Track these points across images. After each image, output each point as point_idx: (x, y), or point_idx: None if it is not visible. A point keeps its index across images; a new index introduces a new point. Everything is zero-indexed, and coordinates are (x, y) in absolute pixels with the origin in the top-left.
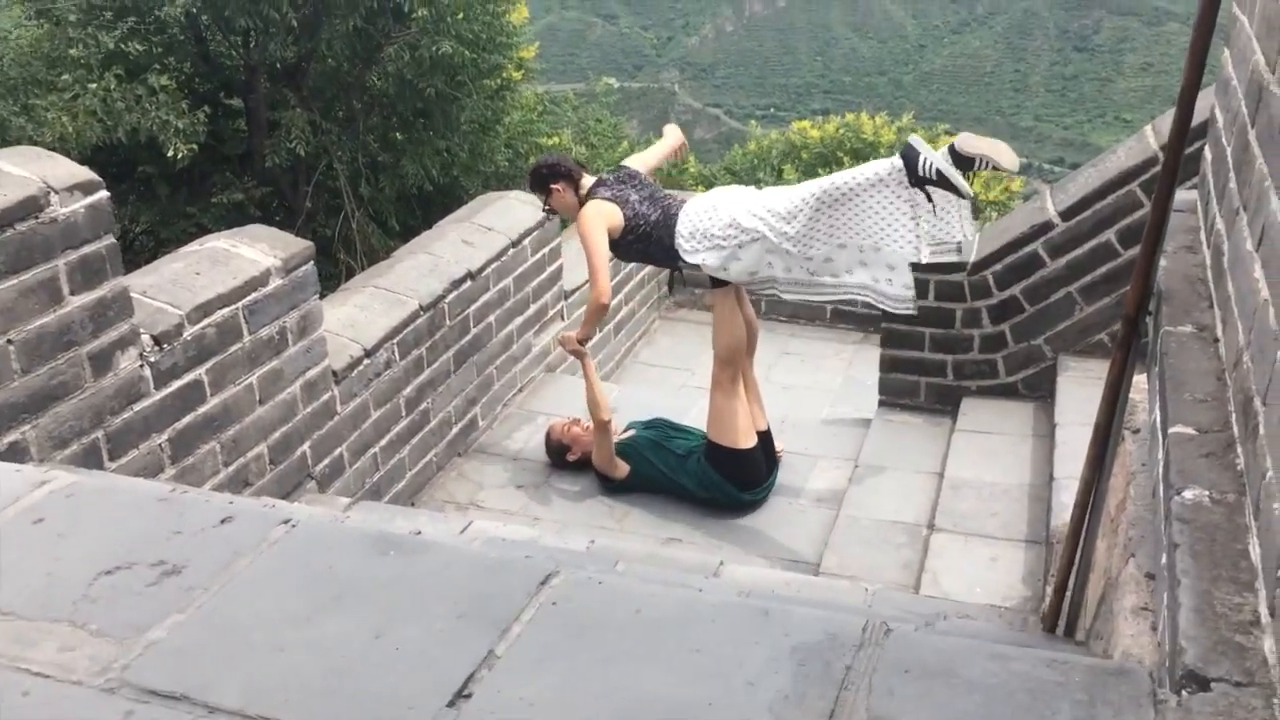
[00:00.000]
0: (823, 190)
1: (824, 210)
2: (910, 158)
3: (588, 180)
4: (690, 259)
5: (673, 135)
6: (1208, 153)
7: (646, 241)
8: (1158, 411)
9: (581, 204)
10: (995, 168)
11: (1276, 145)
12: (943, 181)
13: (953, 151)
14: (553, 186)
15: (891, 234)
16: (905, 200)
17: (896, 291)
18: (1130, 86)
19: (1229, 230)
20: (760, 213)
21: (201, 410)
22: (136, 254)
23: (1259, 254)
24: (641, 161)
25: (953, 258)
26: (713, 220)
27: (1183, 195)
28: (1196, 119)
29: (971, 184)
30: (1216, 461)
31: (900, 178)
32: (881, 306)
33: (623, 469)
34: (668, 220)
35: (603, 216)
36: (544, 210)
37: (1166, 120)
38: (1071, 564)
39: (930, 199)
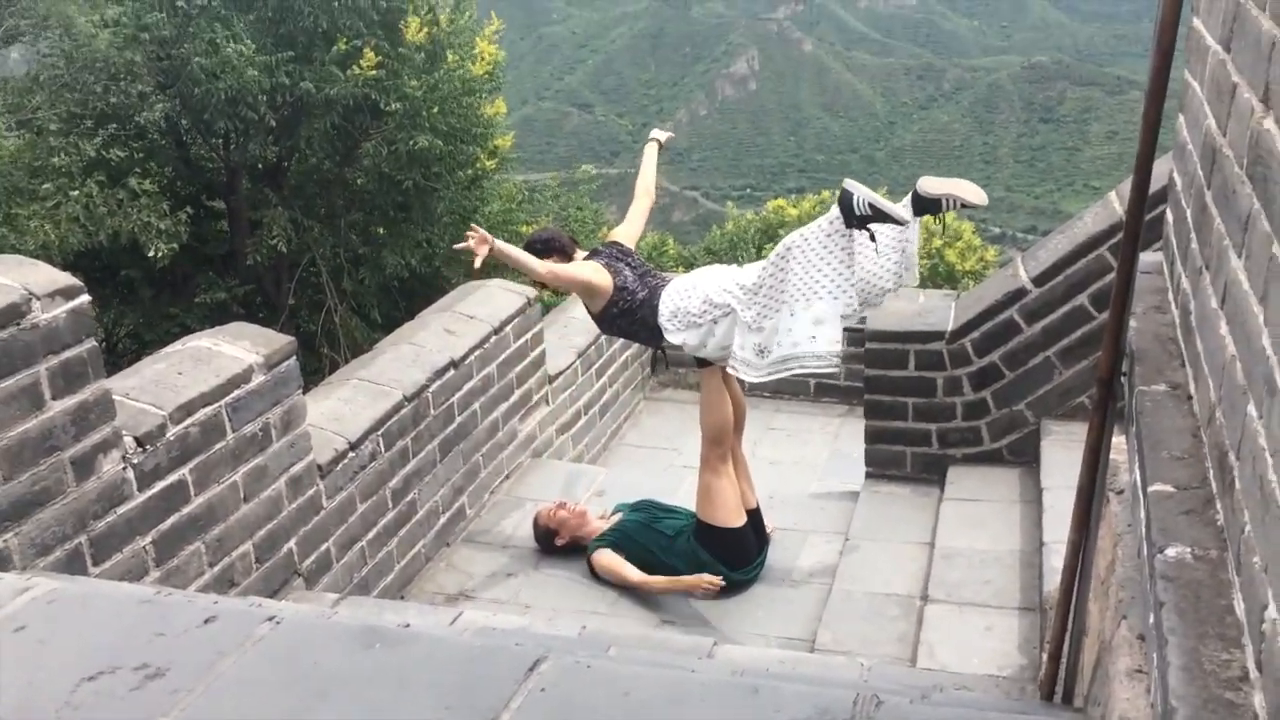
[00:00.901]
0: (777, 255)
1: (780, 273)
2: (845, 200)
3: (580, 256)
4: (672, 338)
5: (651, 152)
6: (1169, 215)
7: (631, 318)
8: (1137, 471)
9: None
10: (963, 204)
11: (1230, 205)
12: (879, 215)
13: (916, 195)
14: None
15: (824, 286)
16: (844, 249)
17: (821, 349)
18: (1097, 154)
19: (1194, 289)
20: (730, 287)
21: (185, 510)
22: (120, 356)
23: (1224, 311)
24: (629, 236)
25: (877, 304)
26: (691, 299)
27: (1149, 257)
28: (1158, 183)
29: (944, 228)
30: (1197, 518)
31: (839, 225)
32: (806, 371)
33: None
34: (653, 299)
35: (596, 269)
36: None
37: (1129, 186)
38: (1064, 629)
39: (874, 238)
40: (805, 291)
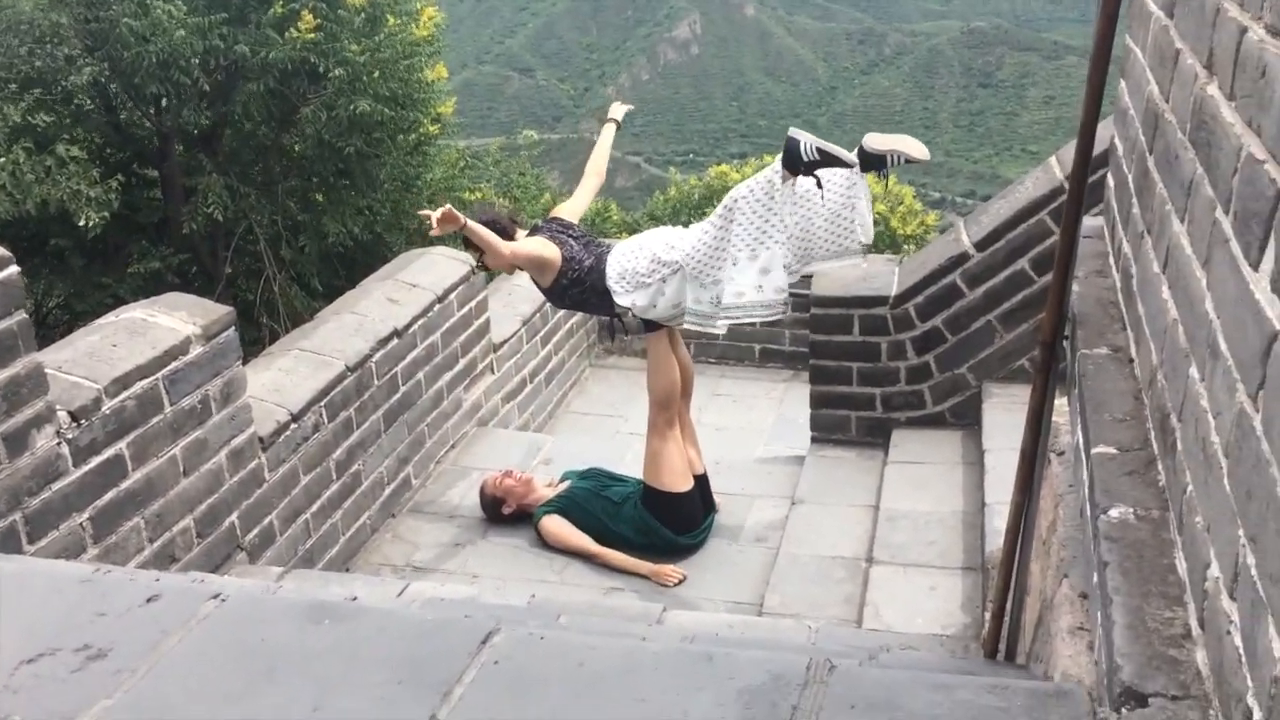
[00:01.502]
0: (724, 208)
1: (726, 225)
2: (791, 147)
3: (521, 235)
4: (621, 300)
5: (608, 132)
6: (1110, 180)
7: (581, 287)
8: (1080, 433)
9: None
10: (908, 160)
11: (1173, 171)
12: (826, 159)
13: (861, 152)
14: (477, 251)
15: (770, 235)
16: (789, 201)
17: (767, 298)
18: (1034, 119)
19: (1135, 254)
20: (676, 243)
21: (123, 486)
22: (51, 328)
23: (1165, 275)
24: (573, 212)
25: (856, 258)
26: (638, 259)
27: (1090, 222)
28: (1099, 148)
29: (888, 183)
30: (1139, 479)
31: (784, 175)
32: (753, 319)
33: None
34: (599, 265)
35: (544, 244)
36: (475, 265)
37: (1070, 151)
38: (1007, 588)
39: (820, 184)
40: (750, 242)
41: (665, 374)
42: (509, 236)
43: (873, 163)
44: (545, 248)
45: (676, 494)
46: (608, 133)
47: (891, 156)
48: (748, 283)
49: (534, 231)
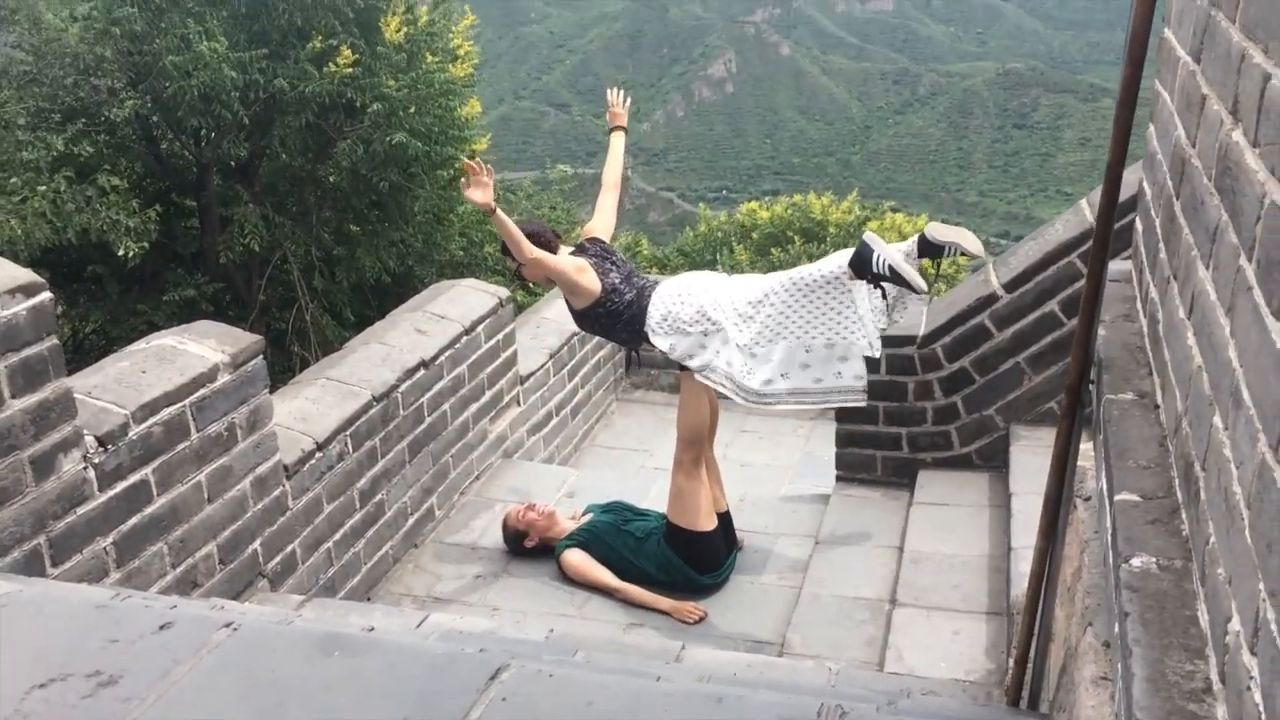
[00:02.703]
0: (781, 286)
1: (780, 305)
2: (865, 254)
3: (564, 251)
4: (659, 343)
5: (617, 143)
6: (1139, 224)
7: (615, 319)
8: (1104, 479)
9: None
10: (964, 253)
11: (1199, 216)
12: (895, 278)
13: (922, 240)
14: (519, 271)
15: (844, 328)
16: (856, 294)
17: (846, 384)
18: (1069, 161)
19: (1162, 299)
20: (725, 306)
21: (148, 511)
22: (86, 354)
23: (1190, 322)
24: (606, 230)
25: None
26: (683, 306)
27: (1118, 266)
28: (1128, 192)
29: (939, 268)
30: (1162, 528)
31: (843, 276)
32: (825, 405)
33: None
34: (641, 302)
35: (582, 268)
36: (513, 273)
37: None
38: (1031, 635)
39: (885, 295)
40: (825, 331)
41: (696, 413)
42: (553, 250)
43: (931, 250)
44: (583, 273)
45: (700, 533)
46: (618, 142)
47: (950, 247)
48: (824, 372)
49: (578, 251)
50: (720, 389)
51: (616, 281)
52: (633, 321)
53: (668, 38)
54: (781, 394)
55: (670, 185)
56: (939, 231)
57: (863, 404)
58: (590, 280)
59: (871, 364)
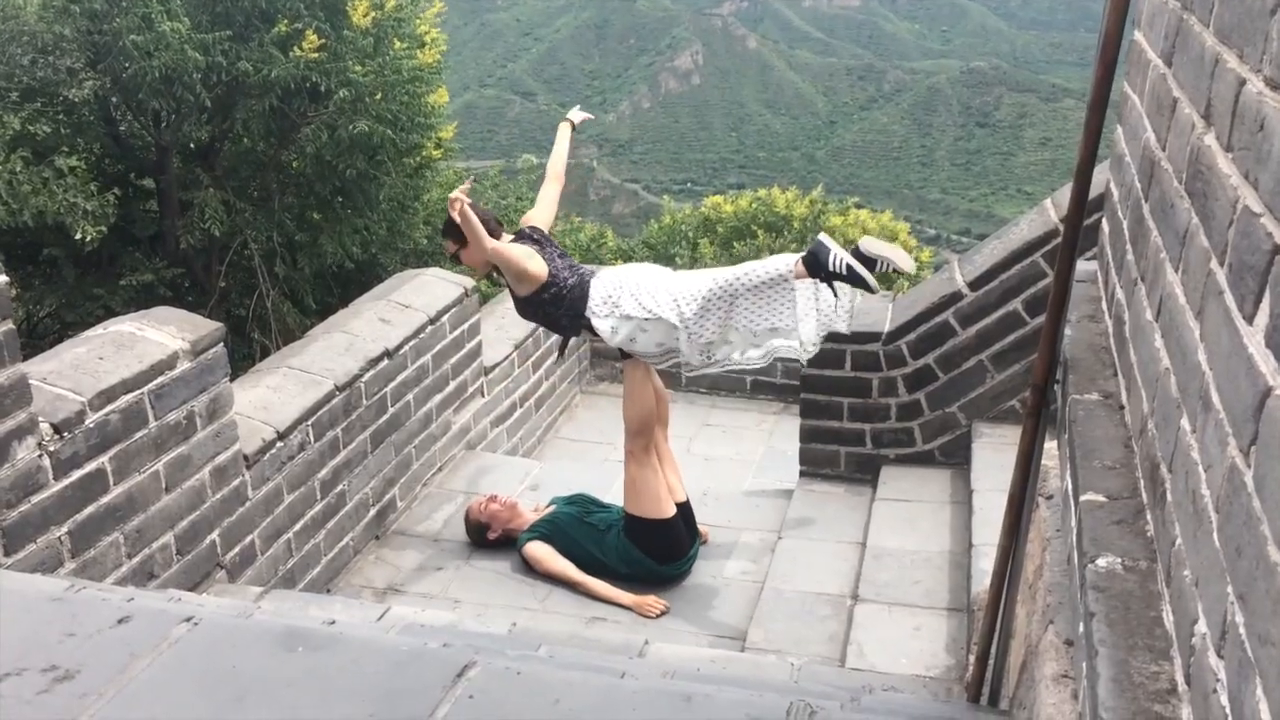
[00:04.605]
0: (726, 282)
1: (723, 300)
2: (820, 254)
3: (506, 238)
4: (601, 325)
5: (564, 133)
6: (1105, 225)
7: (558, 304)
8: (1069, 479)
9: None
10: (895, 270)
11: (1168, 219)
12: (852, 277)
13: (856, 250)
14: (454, 252)
15: (783, 316)
16: (798, 294)
17: (797, 349)
18: (1030, 160)
19: (1129, 300)
20: (663, 298)
21: (104, 500)
22: (40, 339)
23: (1158, 324)
24: (544, 221)
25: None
26: (622, 293)
27: (1083, 266)
28: (1093, 192)
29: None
30: (1127, 528)
31: (791, 275)
32: (782, 359)
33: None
34: (582, 287)
35: (531, 255)
36: (449, 255)
37: (1065, 193)
38: (992, 632)
39: (835, 294)
40: (766, 320)
41: (641, 401)
42: (494, 237)
43: (863, 263)
44: (532, 260)
45: (659, 521)
46: (564, 134)
47: (882, 262)
48: (774, 344)
49: (518, 238)
50: (685, 371)
51: (560, 266)
52: (574, 306)
53: (635, 28)
54: (725, 359)
55: (635, 177)
56: (872, 245)
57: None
58: (538, 266)
59: (836, 360)
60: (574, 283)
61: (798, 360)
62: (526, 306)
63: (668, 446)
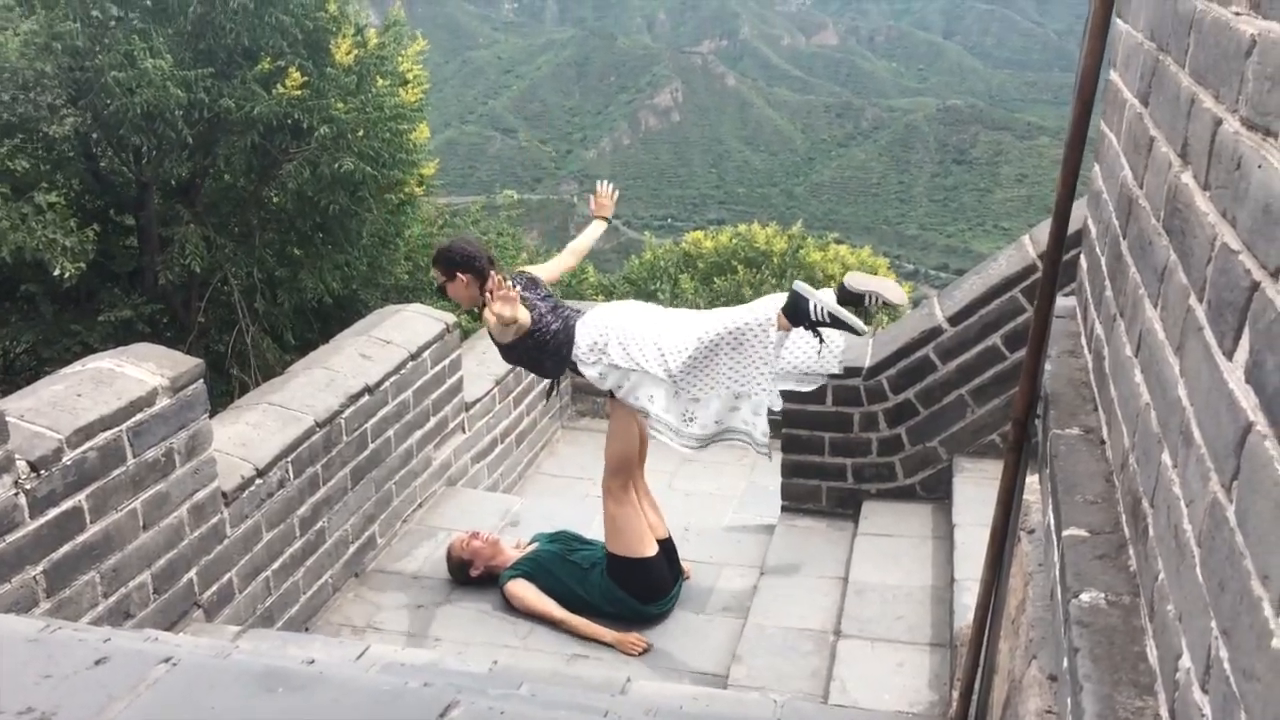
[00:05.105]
0: (715, 334)
1: (710, 352)
2: (800, 304)
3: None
4: (589, 371)
5: (596, 229)
6: (1083, 261)
7: (542, 350)
8: (1050, 514)
9: (483, 300)
10: (885, 303)
11: (1147, 256)
12: (835, 322)
13: (842, 289)
14: (460, 275)
15: (758, 381)
16: (774, 345)
17: (758, 437)
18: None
19: (1108, 336)
20: (650, 351)
21: (80, 539)
22: (16, 375)
23: (1138, 359)
24: (545, 270)
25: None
26: (609, 339)
27: (1063, 302)
28: (1071, 228)
29: (865, 319)
30: (1110, 563)
31: (772, 326)
32: (746, 446)
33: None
34: (567, 332)
35: (514, 302)
36: (436, 286)
37: (1043, 229)
38: (975, 667)
39: (821, 339)
40: (746, 381)
41: (625, 440)
42: (484, 276)
43: (850, 299)
44: (521, 311)
45: (641, 559)
46: (597, 228)
47: (871, 296)
48: (739, 420)
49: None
50: (657, 435)
51: (543, 311)
52: (559, 350)
53: (615, 66)
54: (711, 437)
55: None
56: (859, 281)
57: (766, 454)
58: (523, 314)
59: (818, 395)
60: (558, 328)
61: (761, 445)
62: (509, 352)
63: (645, 484)
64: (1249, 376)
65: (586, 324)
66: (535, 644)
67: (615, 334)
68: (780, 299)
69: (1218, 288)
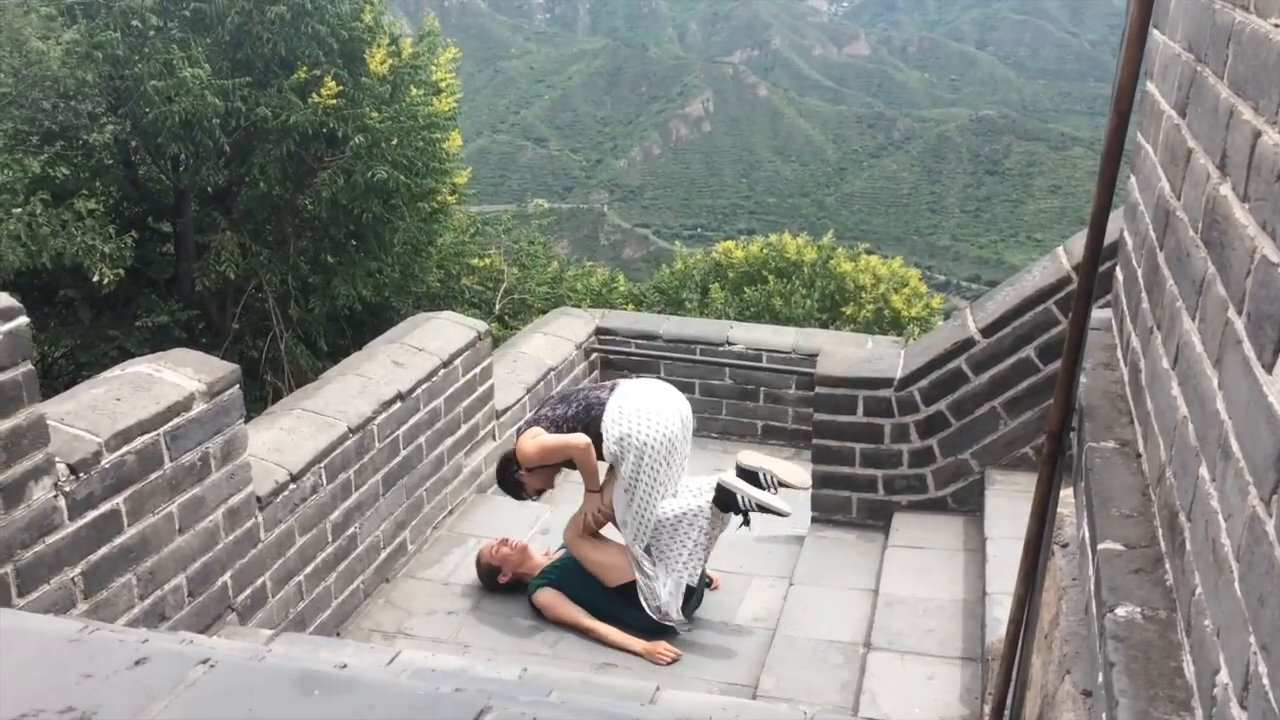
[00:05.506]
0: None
1: (645, 524)
2: (728, 499)
3: (530, 443)
4: (609, 449)
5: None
6: (1119, 273)
7: (572, 427)
8: (1085, 527)
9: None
10: (781, 483)
11: (1184, 268)
12: (763, 509)
13: (738, 469)
14: (518, 478)
15: (684, 562)
16: (710, 528)
17: (658, 601)
18: (1040, 208)
19: (1144, 348)
20: (646, 487)
21: (118, 541)
22: (55, 379)
23: (1175, 372)
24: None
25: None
26: (638, 431)
27: (1098, 314)
28: (1106, 240)
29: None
30: (1146, 577)
31: (713, 512)
32: (643, 600)
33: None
34: (590, 408)
35: (530, 435)
36: (534, 498)
37: (1077, 241)
38: (1008, 682)
39: (749, 525)
40: (676, 559)
41: (608, 515)
42: (523, 487)
43: (746, 477)
44: (532, 438)
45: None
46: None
47: (764, 474)
48: (654, 580)
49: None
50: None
51: (548, 414)
52: (588, 430)
53: (646, 76)
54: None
55: (646, 222)
56: (749, 459)
57: (654, 620)
58: (538, 432)
59: (848, 405)
60: (575, 412)
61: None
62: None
63: None
64: None
65: (616, 409)
66: (564, 652)
67: (644, 448)
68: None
69: (1257, 300)
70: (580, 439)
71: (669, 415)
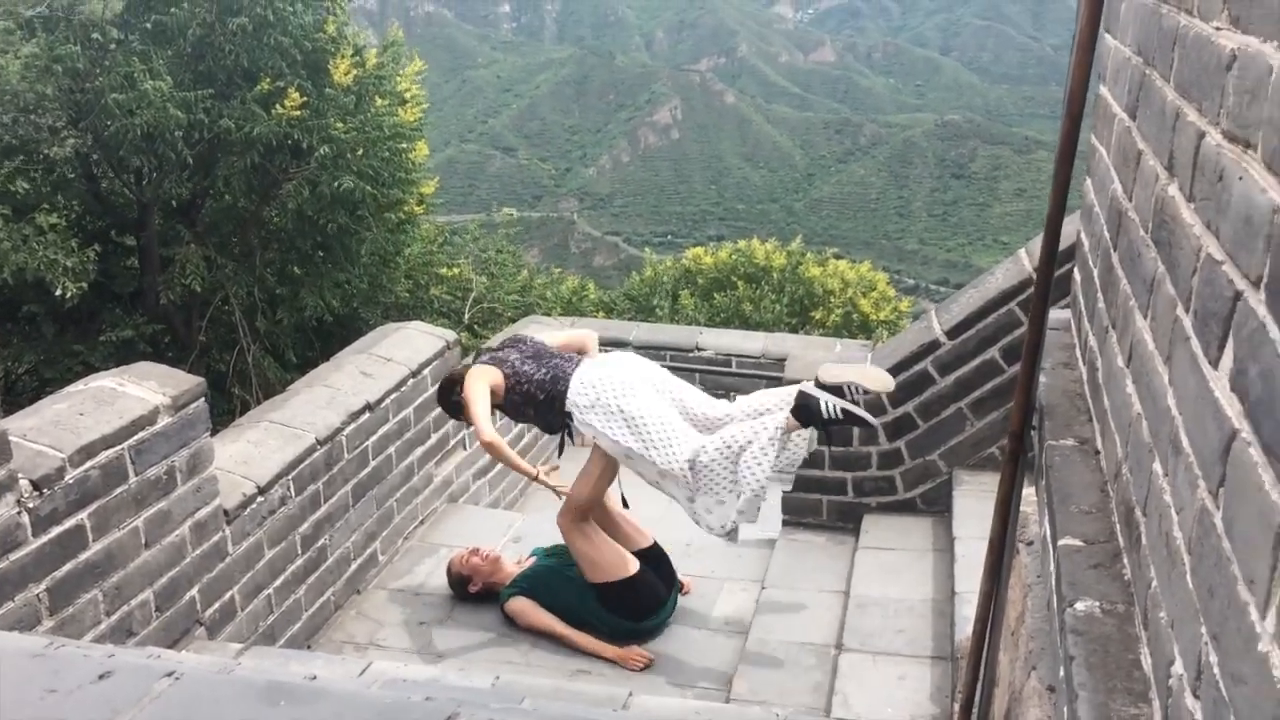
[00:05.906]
0: (733, 447)
1: (728, 461)
2: (811, 405)
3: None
4: (589, 428)
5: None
6: (1077, 274)
7: (534, 402)
8: (1047, 524)
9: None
10: (865, 391)
11: (1136, 268)
12: (850, 419)
13: (817, 384)
14: (456, 400)
15: (750, 483)
16: (780, 449)
17: (711, 521)
18: (1006, 211)
19: (1101, 347)
20: (652, 430)
21: (83, 557)
22: (18, 395)
23: (1129, 370)
24: (549, 339)
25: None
26: (612, 413)
27: (1057, 314)
28: (1065, 242)
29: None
30: (1105, 572)
31: (788, 426)
32: (694, 520)
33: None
34: (555, 384)
35: (479, 374)
36: (468, 425)
37: (1039, 243)
38: (976, 679)
39: (831, 442)
40: (746, 481)
41: (599, 487)
42: (457, 380)
43: (830, 393)
44: (480, 378)
45: (627, 580)
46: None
47: (850, 387)
48: (706, 502)
49: (476, 357)
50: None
51: (516, 363)
52: (551, 403)
53: (614, 84)
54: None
55: (616, 230)
56: (832, 373)
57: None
58: (491, 375)
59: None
60: (542, 377)
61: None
62: (508, 411)
63: (607, 504)
64: (1233, 384)
65: (582, 377)
66: (537, 660)
67: (614, 401)
68: (784, 396)
69: (1203, 298)
70: (492, 438)
71: (634, 372)
